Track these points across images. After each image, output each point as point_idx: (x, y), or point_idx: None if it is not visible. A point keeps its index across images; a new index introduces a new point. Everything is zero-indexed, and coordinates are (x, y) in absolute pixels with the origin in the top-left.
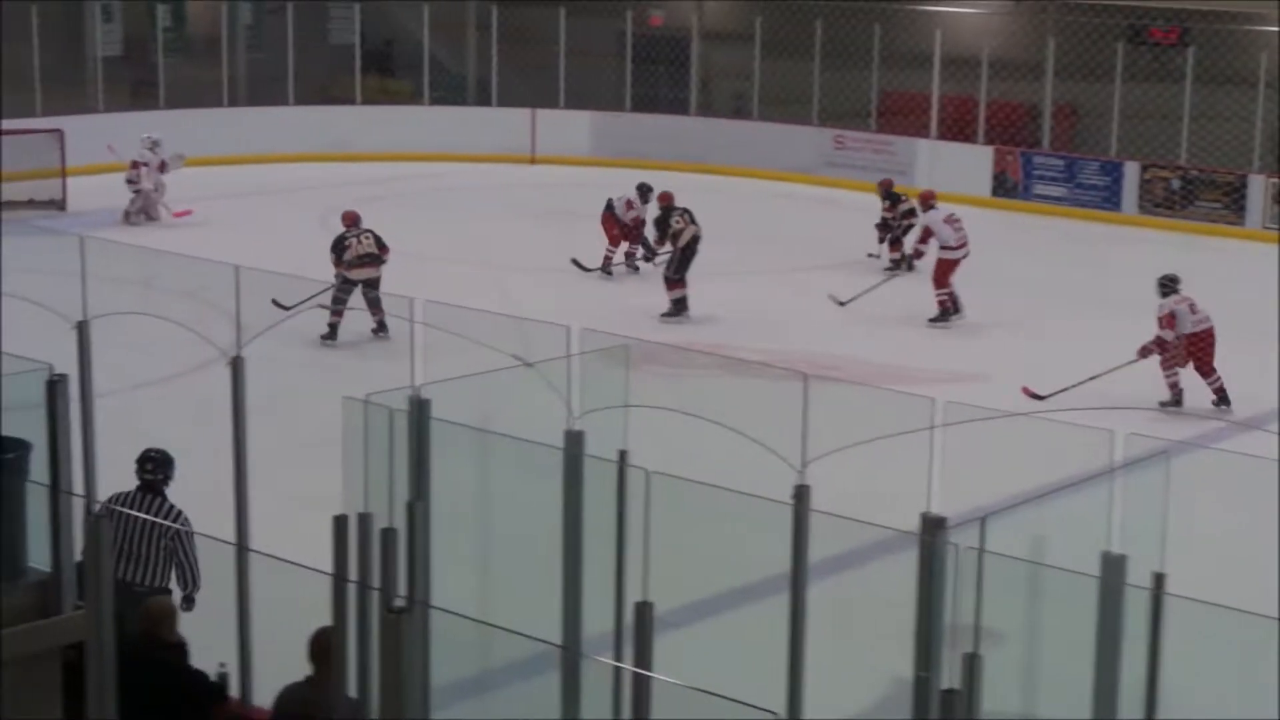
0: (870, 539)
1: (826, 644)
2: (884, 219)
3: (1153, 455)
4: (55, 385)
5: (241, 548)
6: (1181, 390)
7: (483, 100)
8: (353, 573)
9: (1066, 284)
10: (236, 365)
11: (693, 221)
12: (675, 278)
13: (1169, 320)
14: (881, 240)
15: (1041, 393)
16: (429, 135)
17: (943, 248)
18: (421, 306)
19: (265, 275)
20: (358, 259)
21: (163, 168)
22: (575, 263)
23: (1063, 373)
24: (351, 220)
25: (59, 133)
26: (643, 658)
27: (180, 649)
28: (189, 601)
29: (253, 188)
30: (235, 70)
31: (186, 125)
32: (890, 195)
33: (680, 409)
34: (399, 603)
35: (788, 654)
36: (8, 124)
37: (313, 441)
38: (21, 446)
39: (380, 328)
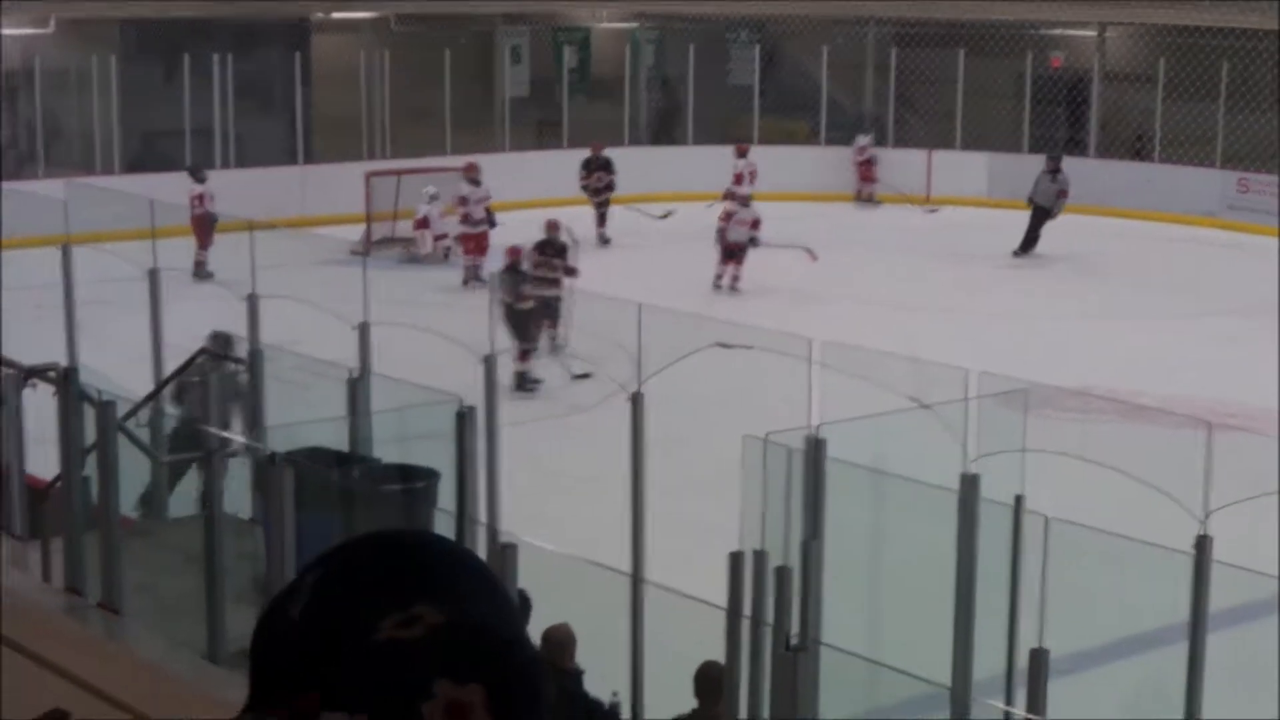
0: (1273, 592)
1: (1224, 696)
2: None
3: None
4: (464, 417)
5: (637, 579)
6: None
7: (879, 141)
8: (746, 609)
9: None
10: (636, 401)
11: None
12: None
13: None
14: None
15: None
16: (825, 176)
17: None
18: (820, 347)
19: (665, 313)
20: None
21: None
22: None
23: None
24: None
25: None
26: (1036, 704)
27: (578, 676)
28: None
29: (657, 226)
30: (637, 110)
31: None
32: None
33: (1078, 454)
34: (794, 640)
35: (1184, 705)
36: (419, 162)
37: (708, 477)
38: (431, 476)
39: None
